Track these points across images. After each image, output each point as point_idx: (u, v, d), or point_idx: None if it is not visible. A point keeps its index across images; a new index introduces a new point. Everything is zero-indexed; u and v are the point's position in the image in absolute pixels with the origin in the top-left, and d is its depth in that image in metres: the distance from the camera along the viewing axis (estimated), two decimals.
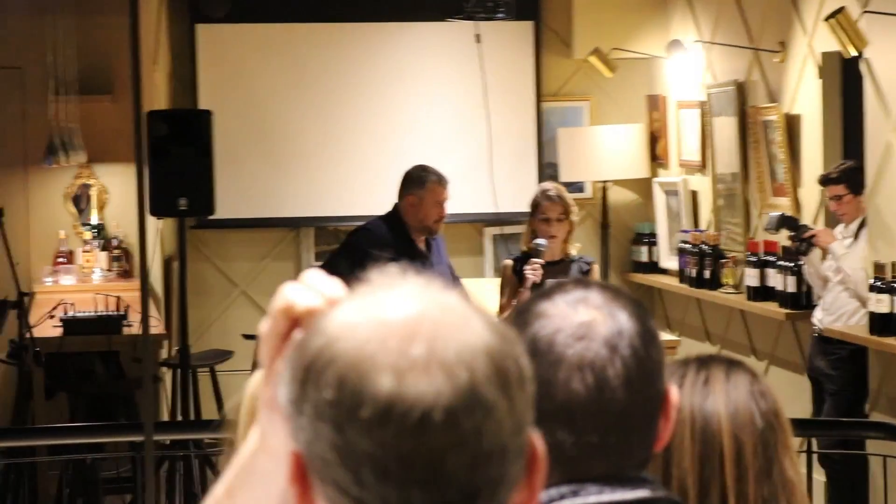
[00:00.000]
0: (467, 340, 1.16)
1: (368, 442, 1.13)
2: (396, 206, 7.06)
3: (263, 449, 1.30)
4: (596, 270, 6.93)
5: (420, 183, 6.97)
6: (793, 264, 7.61)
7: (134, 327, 7.29)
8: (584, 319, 1.63)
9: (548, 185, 7.14)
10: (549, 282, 6.43)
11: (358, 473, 1.14)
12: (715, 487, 2.04)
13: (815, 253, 7.26)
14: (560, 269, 6.73)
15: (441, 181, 7.00)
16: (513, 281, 6.77)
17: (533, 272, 6.59)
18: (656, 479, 1.67)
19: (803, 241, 7.24)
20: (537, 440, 1.22)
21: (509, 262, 6.86)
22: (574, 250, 6.81)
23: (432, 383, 1.13)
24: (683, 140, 9.27)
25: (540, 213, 6.71)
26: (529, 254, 6.73)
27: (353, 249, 6.82)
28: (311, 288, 1.25)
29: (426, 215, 6.94)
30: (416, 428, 1.12)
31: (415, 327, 1.16)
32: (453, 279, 7.20)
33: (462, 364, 1.14)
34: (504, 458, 1.16)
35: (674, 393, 1.69)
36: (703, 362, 2.14)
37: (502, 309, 6.82)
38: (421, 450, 1.13)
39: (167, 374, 8.16)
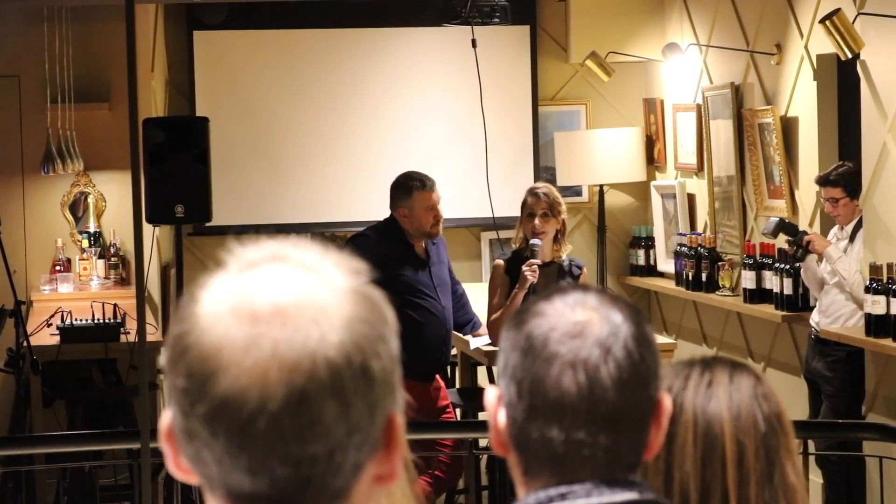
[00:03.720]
0: (311, 345, 1.23)
1: (205, 433, 1.24)
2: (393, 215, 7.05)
3: None
4: (586, 275, 6.92)
5: (406, 193, 6.92)
6: (789, 266, 7.62)
7: (131, 335, 7.28)
8: (580, 319, 1.65)
9: (538, 183, 7.16)
10: (538, 282, 6.49)
11: (199, 453, 1.26)
12: (716, 491, 2.04)
13: (812, 257, 7.26)
14: (549, 272, 6.73)
15: (426, 185, 6.93)
16: (505, 281, 6.77)
17: (532, 273, 6.60)
18: (645, 482, 1.67)
19: (800, 248, 7.23)
20: (398, 419, 1.29)
21: (500, 262, 6.87)
22: (565, 253, 6.81)
23: (266, 388, 1.22)
24: (680, 143, 9.28)
25: (526, 210, 6.73)
26: (520, 254, 6.73)
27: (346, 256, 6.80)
28: None
29: (421, 223, 6.91)
30: (243, 429, 1.22)
31: (265, 327, 1.24)
32: (453, 282, 7.22)
33: (298, 371, 1.23)
34: (333, 456, 1.25)
35: (667, 401, 1.69)
36: (707, 364, 2.14)
37: (494, 309, 6.82)
38: (247, 447, 1.23)
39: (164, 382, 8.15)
